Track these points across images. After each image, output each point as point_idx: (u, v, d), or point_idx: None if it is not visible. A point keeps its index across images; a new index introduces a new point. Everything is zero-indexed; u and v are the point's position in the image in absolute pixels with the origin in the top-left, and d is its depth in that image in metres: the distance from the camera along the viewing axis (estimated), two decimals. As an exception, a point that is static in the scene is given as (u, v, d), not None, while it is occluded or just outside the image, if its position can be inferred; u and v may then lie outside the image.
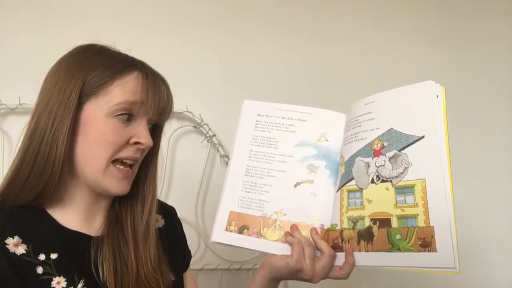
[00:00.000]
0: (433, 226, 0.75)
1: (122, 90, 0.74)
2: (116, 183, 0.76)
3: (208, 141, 1.42)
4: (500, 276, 1.51)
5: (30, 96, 1.30)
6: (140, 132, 0.76)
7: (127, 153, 0.76)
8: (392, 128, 0.84)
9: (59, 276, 0.69)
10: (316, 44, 1.57)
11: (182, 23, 1.52)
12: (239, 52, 1.52)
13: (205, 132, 1.41)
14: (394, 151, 0.82)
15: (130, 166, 0.78)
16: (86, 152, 0.74)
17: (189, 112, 1.39)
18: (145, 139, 0.76)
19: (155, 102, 0.77)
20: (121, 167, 0.76)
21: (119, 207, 0.83)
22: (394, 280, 1.41)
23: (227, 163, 1.40)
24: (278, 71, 1.52)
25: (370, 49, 1.59)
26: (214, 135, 1.41)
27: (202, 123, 1.41)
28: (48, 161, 0.71)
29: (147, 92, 0.76)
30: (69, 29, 1.43)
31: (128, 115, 0.75)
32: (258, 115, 0.98)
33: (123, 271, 0.76)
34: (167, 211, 0.95)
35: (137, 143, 0.76)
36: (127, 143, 0.76)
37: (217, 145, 1.41)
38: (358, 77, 1.55)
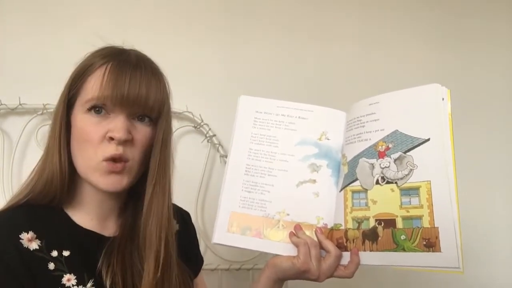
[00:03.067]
0: (438, 227, 0.77)
1: (93, 86, 0.74)
2: (103, 179, 0.74)
3: (208, 141, 1.40)
4: (502, 275, 1.53)
5: (30, 96, 1.29)
6: (115, 126, 0.73)
7: (110, 151, 0.73)
8: (397, 130, 0.84)
9: (70, 273, 0.70)
10: (316, 44, 1.55)
11: (182, 23, 1.48)
12: (239, 52, 1.49)
13: (205, 132, 1.39)
14: (399, 153, 0.83)
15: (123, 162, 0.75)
16: (76, 152, 0.76)
17: (189, 112, 1.37)
18: (118, 132, 0.72)
19: (120, 92, 0.73)
20: (109, 162, 0.74)
21: (133, 210, 0.82)
22: (395, 278, 1.44)
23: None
24: (278, 71, 1.50)
25: (369, 49, 1.58)
26: (214, 135, 1.39)
27: (202, 123, 1.39)
28: (54, 167, 0.74)
29: (115, 83, 0.73)
30: (69, 29, 1.39)
31: (100, 109, 0.74)
32: (257, 112, 0.96)
33: (134, 280, 0.75)
34: (182, 217, 0.94)
35: (111, 138, 0.73)
36: (103, 138, 0.73)
37: (217, 145, 1.39)
38: (358, 77, 1.55)
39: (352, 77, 1.54)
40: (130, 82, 0.74)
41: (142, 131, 0.77)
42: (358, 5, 1.60)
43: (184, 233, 0.91)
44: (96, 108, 0.74)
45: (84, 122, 0.73)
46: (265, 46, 1.52)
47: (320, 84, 1.51)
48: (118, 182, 0.75)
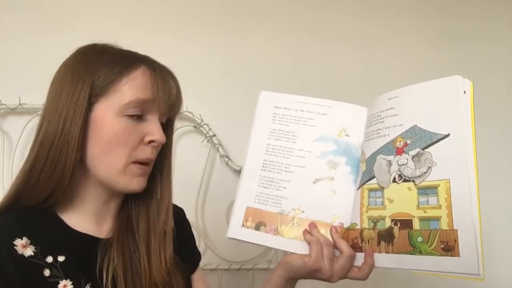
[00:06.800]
0: (457, 230, 0.71)
1: (131, 88, 0.72)
2: (135, 181, 0.75)
3: (208, 141, 1.41)
4: (504, 276, 1.48)
5: (30, 96, 1.32)
6: (153, 129, 0.75)
7: (145, 154, 0.75)
8: (415, 125, 0.79)
9: (66, 279, 0.68)
10: (317, 44, 1.53)
11: (182, 23, 1.50)
12: (239, 52, 1.50)
13: (205, 132, 1.40)
14: (418, 150, 0.78)
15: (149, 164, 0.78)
16: (100, 154, 0.72)
17: (189, 112, 1.37)
18: (158, 135, 0.75)
19: (165, 97, 0.75)
20: (140, 165, 0.75)
21: (132, 210, 0.81)
22: (396, 275, 1.40)
23: (227, 163, 1.40)
24: (278, 71, 1.49)
25: (370, 48, 1.55)
26: (214, 135, 1.40)
27: (202, 123, 1.40)
28: (57, 165, 0.70)
29: (157, 87, 0.74)
30: (69, 29, 1.42)
31: (139, 113, 0.74)
32: (276, 107, 0.94)
33: (134, 278, 0.75)
34: (176, 213, 0.92)
35: (151, 141, 0.75)
36: (141, 142, 0.74)
37: (217, 145, 1.40)
38: (358, 77, 1.52)
39: (353, 77, 1.51)
40: (174, 86, 0.77)
41: (166, 133, 0.78)
42: (358, 5, 1.58)
43: (180, 229, 0.90)
44: (137, 113, 0.73)
45: (122, 125, 0.72)
46: (265, 45, 1.51)
47: (320, 84, 1.48)
48: (143, 183, 0.77)
